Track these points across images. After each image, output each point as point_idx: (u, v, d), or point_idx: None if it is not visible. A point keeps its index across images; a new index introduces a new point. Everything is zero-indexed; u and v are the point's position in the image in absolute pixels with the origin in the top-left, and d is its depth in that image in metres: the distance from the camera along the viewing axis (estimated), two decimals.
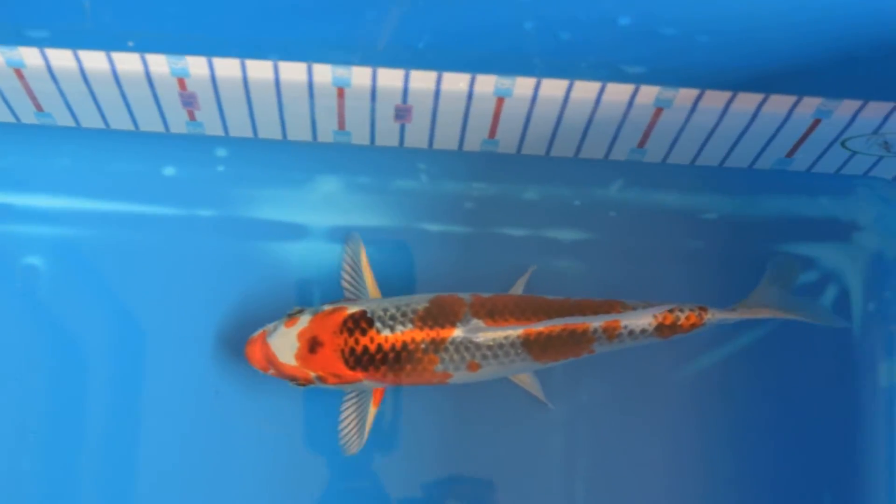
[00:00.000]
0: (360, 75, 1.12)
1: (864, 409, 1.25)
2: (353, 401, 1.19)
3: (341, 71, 1.11)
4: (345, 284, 1.21)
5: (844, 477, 1.24)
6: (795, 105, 1.12)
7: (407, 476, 1.23)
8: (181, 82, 1.14)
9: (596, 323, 1.14)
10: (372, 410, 1.18)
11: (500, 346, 1.14)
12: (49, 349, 1.24)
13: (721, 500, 1.23)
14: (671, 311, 1.16)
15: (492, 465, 1.23)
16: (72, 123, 1.24)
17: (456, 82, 1.12)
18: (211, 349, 1.24)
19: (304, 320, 1.15)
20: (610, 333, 1.15)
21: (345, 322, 1.14)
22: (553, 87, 1.12)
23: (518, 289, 1.22)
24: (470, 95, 1.13)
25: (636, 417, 1.24)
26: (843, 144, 1.18)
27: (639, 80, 1.10)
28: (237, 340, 1.22)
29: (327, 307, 1.16)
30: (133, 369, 1.24)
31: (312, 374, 1.15)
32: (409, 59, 1.10)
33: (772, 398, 1.25)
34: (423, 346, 1.14)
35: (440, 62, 1.10)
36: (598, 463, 1.24)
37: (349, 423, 1.19)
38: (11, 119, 1.24)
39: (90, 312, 1.24)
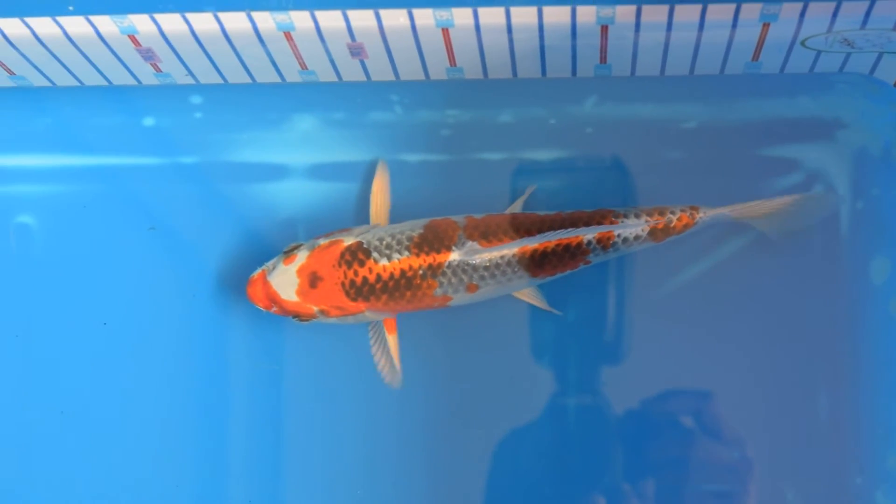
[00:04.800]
0: (300, 19, 1.12)
1: (858, 310, 1.23)
2: (375, 338, 1.21)
3: (281, 16, 1.12)
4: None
5: (840, 379, 1.22)
6: (738, 11, 1.10)
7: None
8: (133, 39, 1.16)
9: (589, 235, 1.15)
10: (391, 339, 1.20)
11: (497, 265, 1.15)
12: (47, 305, 1.27)
13: (715, 409, 1.22)
14: (662, 213, 1.16)
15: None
16: (47, 83, 1.26)
17: (395, 17, 1.12)
18: (208, 293, 1.27)
19: (301, 256, 1.17)
20: (604, 244, 1.15)
21: (342, 255, 1.16)
22: (491, 15, 1.12)
23: (516, 209, 1.22)
24: (414, 29, 1.13)
25: (624, 332, 1.24)
26: (803, 44, 1.15)
27: (570, 0, 1.10)
28: (233, 283, 1.26)
29: (323, 241, 1.17)
30: (132, 320, 1.27)
31: (315, 309, 1.17)
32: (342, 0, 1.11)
33: (762, 304, 1.23)
34: (420, 272, 1.15)
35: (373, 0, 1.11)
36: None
37: (380, 360, 1.21)
38: None
39: (85, 266, 1.27)
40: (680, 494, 1.23)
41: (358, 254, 1.15)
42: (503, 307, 1.23)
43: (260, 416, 1.26)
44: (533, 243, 1.14)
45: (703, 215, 1.16)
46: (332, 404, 1.25)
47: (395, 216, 1.22)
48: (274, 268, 1.17)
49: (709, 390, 1.22)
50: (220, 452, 1.26)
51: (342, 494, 1.25)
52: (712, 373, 1.23)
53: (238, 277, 1.25)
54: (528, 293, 1.21)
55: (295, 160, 1.27)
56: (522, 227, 1.16)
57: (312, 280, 1.16)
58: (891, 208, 1.23)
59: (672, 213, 1.16)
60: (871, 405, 1.22)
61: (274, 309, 1.18)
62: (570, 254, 1.15)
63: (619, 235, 1.15)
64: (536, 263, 1.15)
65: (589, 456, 1.24)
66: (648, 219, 1.15)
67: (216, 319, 1.27)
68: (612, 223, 1.15)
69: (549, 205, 1.23)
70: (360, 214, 1.25)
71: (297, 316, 1.18)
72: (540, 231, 1.15)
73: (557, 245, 1.15)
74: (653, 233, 1.16)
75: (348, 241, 1.16)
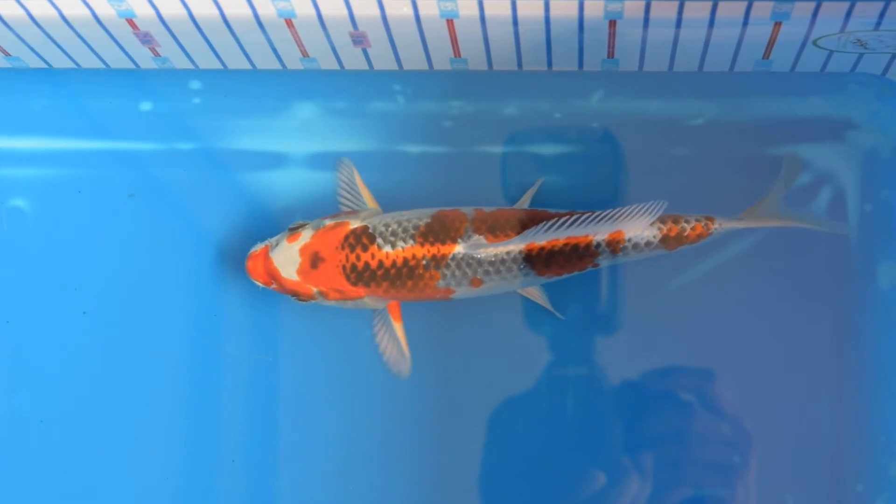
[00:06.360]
0: (302, 6, 1.10)
1: (863, 313, 1.21)
2: (380, 327, 1.19)
3: (282, 3, 1.09)
4: (342, 208, 1.20)
5: (844, 384, 1.21)
6: (749, 9, 1.08)
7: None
8: (131, 22, 1.14)
9: (599, 237, 1.12)
10: (397, 326, 1.18)
11: (503, 261, 1.13)
12: (39, 290, 1.25)
13: (715, 414, 1.20)
14: (676, 221, 1.13)
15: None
16: (43, 65, 1.24)
17: (399, 7, 1.10)
18: (204, 280, 1.25)
19: (306, 235, 1.15)
20: (614, 247, 1.13)
21: (346, 238, 1.14)
22: (497, 7, 1.09)
23: (525, 202, 1.20)
24: (417, 18, 1.11)
25: (627, 330, 1.22)
26: (815, 44, 1.13)
27: None
28: (229, 272, 1.24)
29: (329, 222, 1.16)
30: (125, 307, 1.25)
31: (314, 290, 1.15)
32: None
33: (767, 306, 1.22)
34: (424, 262, 1.13)
35: None
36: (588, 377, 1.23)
37: (388, 349, 1.19)
38: None
39: (78, 251, 1.25)
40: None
41: (362, 238, 1.14)
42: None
43: (253, 405, 1.24)
44: (540, 241, 1.12)
45: (718, 227, 1.14)
46: (326, 389, 1.24)
47: (393, 208, 1.20)
48: (277, 244, 1.16)
49: (710, 394, 1.20)
50: (214, 439, 1.24)
51: (332, 475, 1.24)
52: (714, 375, 1.21)
53: (233, 266, 1.24)
54: (532, 292, 1.19)
55: (294, 149, 1.25)
56: (531, 224, 1.13)
57: (314, 260, 1.14)
58: None
59: (686, 221, 1.14)
60: (875, 412, 1.20)
61: (273, 286, 1.17)
62: (577, 255, 1.13)
63: (629, 240, 1.13)
64: (543, 262, 1.13)
65: (588, 431, 1.22)
66: (661, 226, 1.13)
67: (211, 308, 1.25)
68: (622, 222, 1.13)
69: (552, 199, 1.21)
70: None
71: (295, 295, 1.16)
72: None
73: (566, 245, 1.13)
74: (664, 240, 1.13)
75: (354, 224, 1.15)
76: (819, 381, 1.21)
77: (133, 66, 1.24)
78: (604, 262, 1.14)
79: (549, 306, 1.20)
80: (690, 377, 1.21)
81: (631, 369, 1.22)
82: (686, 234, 1.14)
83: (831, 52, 1.15)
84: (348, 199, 1.20)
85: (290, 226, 1.17)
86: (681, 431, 1.21)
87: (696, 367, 1.21)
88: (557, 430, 1.22)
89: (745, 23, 1.09)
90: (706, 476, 1.21)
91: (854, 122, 1.22)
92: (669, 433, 1.21)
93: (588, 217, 1.11)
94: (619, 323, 1.22)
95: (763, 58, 1.17)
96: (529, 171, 1.23)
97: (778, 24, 1.10)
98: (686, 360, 1.22)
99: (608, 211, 1.12)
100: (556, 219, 1.11)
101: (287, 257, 1.15)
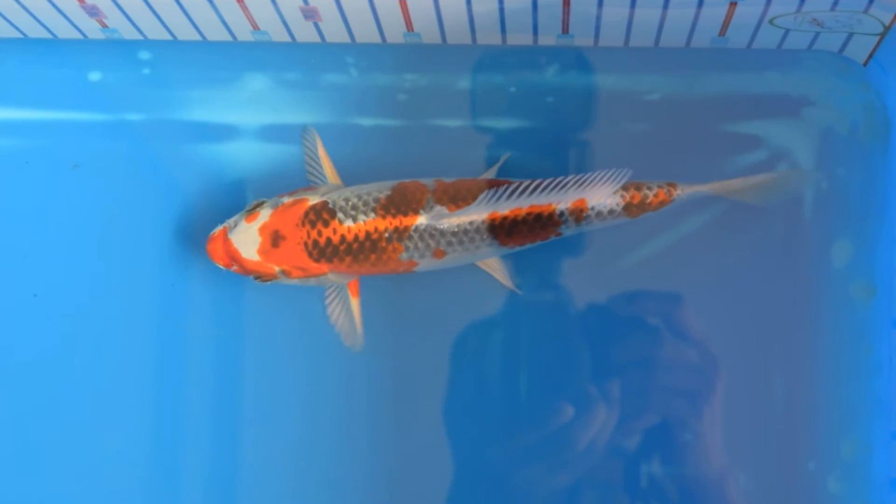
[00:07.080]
0: None
1: (818, 293, 1.21)
2: (335, 300, 1.18)
3: None
4: (310, 178, 1.19)
5: (798, 363, 1.21)
6: None
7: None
8: None
9: (563, 205, 1.11)
10: (355, 302, 1.18)
11: (466, 231, 1.12)
12: None
13: (672, 388, 1.20)
14: (639, 188, 1.13)
15: None
16: None
17: None
18: (151, 254, 1.23)
19: (264, 214, 1.14)
20: (577, 215, 1.12)
21: (306, 214, 1.13)
22: None
23: (489, 177, 1.19)
24: None
25: (581, 308, 1.21)
26: (771, 23, 1.12)
27: None
28: (179, 245, 1.23)
29: (287, 199, 1.14)
30: (77, 282, 1.24)
31: (276, 269, 1.14)
32: None
33: (723, 282, 1.21)
34: (386, 234, 1.12)
35: None
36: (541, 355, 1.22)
37: (342, 323, 1.18)
38: None
39: (26, 226, 1.24)
40: None
41: (322, 213, 1.12)
42: None
43: (212, 380, 1.23)
44: (502, 208, 1.11)
45: (681, 192, 1.13)
46: (285, 364, 1.23)
47: (346, 182, 1.19)
48: (235, 225, 1.15)
49: (661, 371, 1.20)
50: (173, 416, 1.23)
51: (292, 446, 1.23)
52: (665, 353, 1.21)
53: (184, 239, 1.23)
54: (494, 266, 1.19)
55: (245, 120, 1.24)
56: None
57: (275, 239, 1.13)
58: (855, 189, 1.21)
59: (649, 188, 1.13)
60: (828, 390, 1.20)
61: (234, 268, 1.15)
62: (540, 224, 1.12)
63: (592, 208, 1.12)
64: (506, 232, 1.12)
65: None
66: (624, 193, 1.12)
67: (162, 281, 1.23)
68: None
69: (505, 173, 1.20)
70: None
71: (257, 276, 1.15)
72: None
73: (528, 214, 1.12)
74: (627, 208, 1.13)
75: (313, 200, 1.14)
76: (772, 359, 1.21)
77: (81, 37, 1.22)
78: (567, 231, 1.14)
79: (509, 283, 1.19)
80: (635, 358, 1.21)
81: (590, 335, 1.22)
82: (649, 201, 1.13)
83: (787, 30, 1.14)
84: (313, 172, 1.19)
85: (248, 206, 1.15)
86: (627, 414, 1.21)
87: (641, 348, 1.21)
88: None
89: (700, 4, 1.08)
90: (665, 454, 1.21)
91: (811, 100, 1.21)
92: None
93: (551, 184, 1.11)
94: (578, 297, 1.21)
95: (719, 35, 1.16)
96: (483, 145, 1.22)
97: (733, 5, 1.09)
98: (632, 339, 1.21)
99: (571, 177, 1.11)
100: (517, 184, 1.11)
101: (247, 238, 1.14)
